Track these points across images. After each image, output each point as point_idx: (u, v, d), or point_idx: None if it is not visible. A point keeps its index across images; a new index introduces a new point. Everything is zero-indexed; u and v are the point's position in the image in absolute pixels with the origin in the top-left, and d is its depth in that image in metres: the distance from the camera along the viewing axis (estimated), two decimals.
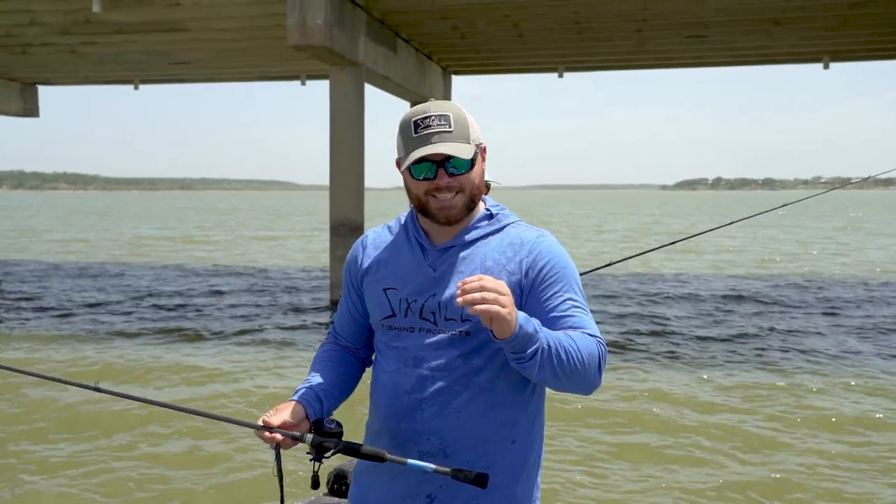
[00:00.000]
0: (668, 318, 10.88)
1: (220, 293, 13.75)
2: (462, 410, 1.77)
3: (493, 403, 1.79)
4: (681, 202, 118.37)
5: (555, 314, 1.75)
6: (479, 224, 1.85)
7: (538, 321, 1.65)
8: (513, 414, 1.82)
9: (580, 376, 1.68)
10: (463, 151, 1.74)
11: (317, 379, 1.91)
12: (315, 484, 1.81)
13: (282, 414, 1.78)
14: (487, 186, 1.93)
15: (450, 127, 1.75)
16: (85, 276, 16.44)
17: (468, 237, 1.83)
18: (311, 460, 1.76)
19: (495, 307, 1.52)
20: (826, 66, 14.85)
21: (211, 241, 28.60)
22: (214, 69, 16.96)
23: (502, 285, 1.56)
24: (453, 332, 1.78)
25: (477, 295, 1.52)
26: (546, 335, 1.64)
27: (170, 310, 11.80)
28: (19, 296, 13.11)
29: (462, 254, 1.82)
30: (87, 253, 23.00)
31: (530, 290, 1.78)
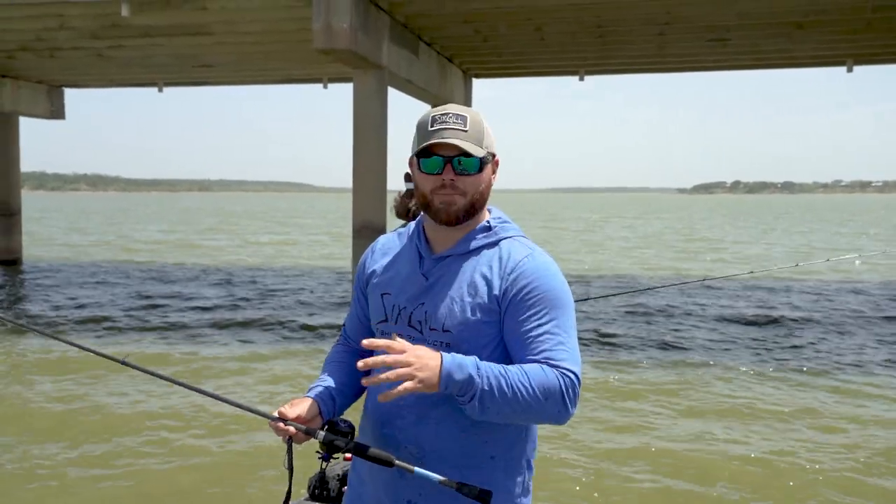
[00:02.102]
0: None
1: (242, 296, 13.90)
2: (441, 422, 1.76)
3: (472, 418, 1.74)
4: (707, 206, 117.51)
5: (526, 340, 1.72)
6: (477, 236, 1.84)
7: (476, 363, 1.65)
8: (493, 429, 1.79)
9: (536, 412, 1.67)
10: (472, 149, 1.76)
11: (329, 379, 1.95)
12: (321, 482, 1.84)
13: (297, 408, 1.80)
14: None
15: (465, 127, 1.77)
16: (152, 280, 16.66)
17: (463, 248, 1.83)
18: (319, 458, 1.79)
19: (407, 384, 1.57)
20: (850, 70, 14.77)
21: (217, 245, 28.81)
22: (238, 72, 17.11)
23: (411, 350, 1.61)
24: (435, 343, 1.77)
25: (387, 374, 1.58)
26: (486, 375, 1.63)
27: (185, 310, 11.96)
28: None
29: (455, 265, 1.82)
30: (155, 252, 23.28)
31: (507, 310, 1.76)
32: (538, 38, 13.29)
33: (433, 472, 1.71)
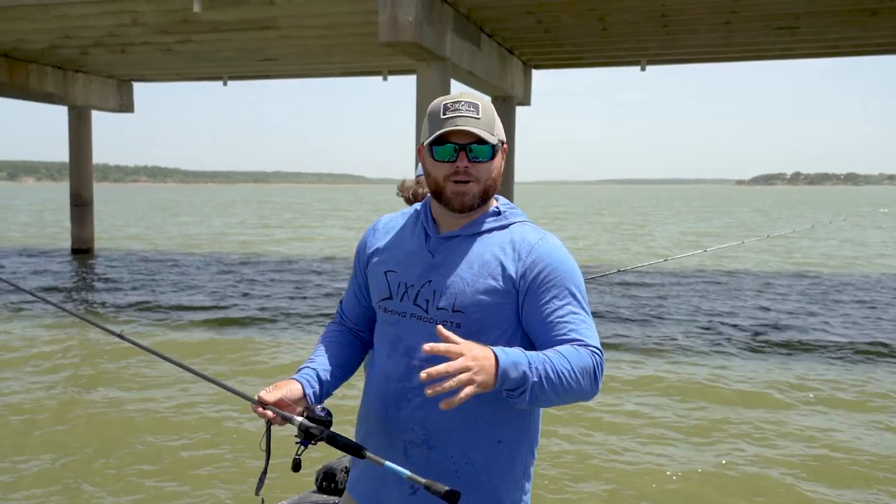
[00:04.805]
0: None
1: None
2: None
3: (480, 400, 1.71)
4: (765, 198, 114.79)
5: (550, 321, 1.74)
6: (486, 219, 1.84)
7: (526, 357, 1.62)
8: (500, 413, 1.79)
9: (574, 393, 1.68)
10: (486, 136, 1.76)
11: (321, 358, 1.93)
12: (296, 467, 1.80)
13: (278, 391, 1.78)
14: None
15: (478, 115, 1.76)
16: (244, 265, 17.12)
17: (472, 230, 1.82)
18: (297, 443, 1.78)
19: (468, 389, 1.52)
20: None
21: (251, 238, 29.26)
22: (300, 65, 17.38)
23: (468, 352, 1.55)
24: (444, 322, 1.76)
25: (450, 382, 1.51)
26: (536, 367, 1.62)
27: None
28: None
29: (464, 246, 1.82)
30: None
31: (527, 294, 1.76)
32: (601, 29, 13.18)
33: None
